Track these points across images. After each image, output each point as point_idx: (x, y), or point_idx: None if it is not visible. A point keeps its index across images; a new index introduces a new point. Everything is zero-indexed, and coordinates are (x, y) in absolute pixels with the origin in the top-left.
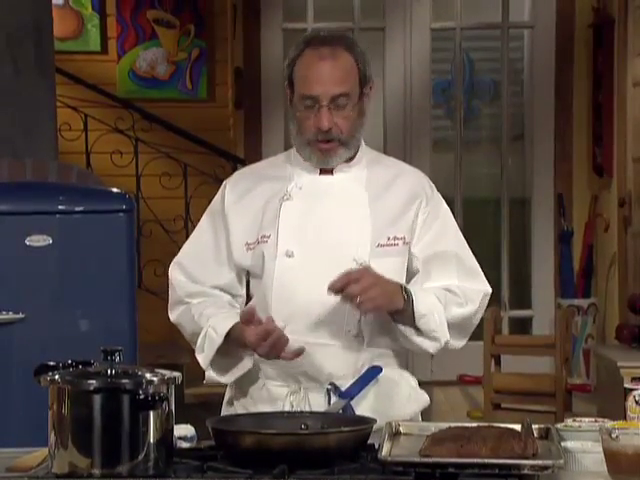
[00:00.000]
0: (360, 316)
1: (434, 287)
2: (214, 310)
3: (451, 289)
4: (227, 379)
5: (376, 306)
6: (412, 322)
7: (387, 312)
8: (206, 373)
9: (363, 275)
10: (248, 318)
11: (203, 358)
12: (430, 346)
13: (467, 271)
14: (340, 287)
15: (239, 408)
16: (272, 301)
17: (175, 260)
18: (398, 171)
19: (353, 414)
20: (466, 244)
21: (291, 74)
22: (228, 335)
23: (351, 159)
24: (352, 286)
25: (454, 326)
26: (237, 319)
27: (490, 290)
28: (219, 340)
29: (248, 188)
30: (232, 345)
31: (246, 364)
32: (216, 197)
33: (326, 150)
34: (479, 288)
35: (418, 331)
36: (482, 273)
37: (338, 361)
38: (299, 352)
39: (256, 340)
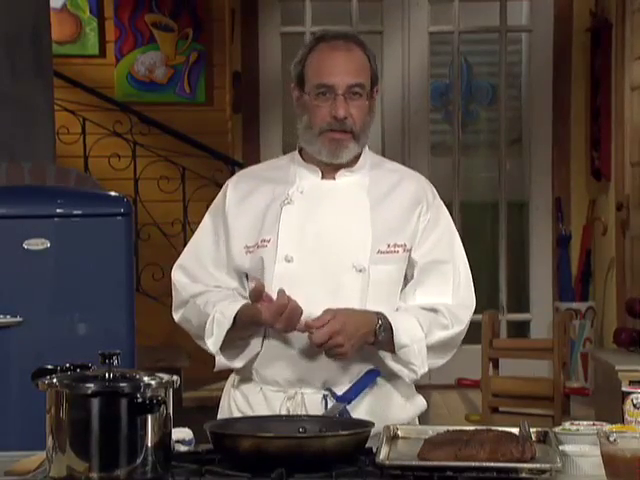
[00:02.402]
0: None
1: (420, 307)
2: (219, 297)
3: (438, 309)
4: (237, 364)
5: (351, 354)
6: (392, 350)
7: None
8: (216, 359)
9: (331, 333)
10: (257, 296)
11: (213, 342)
12: (406, 375)
13: (460, 284)
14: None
15: (235, 410)
16: None
17: (177, 263)
18: (400, 176)
19: (350, 418)
20: (463, 252)
21: (301, 71)
22: (235, 319)
23: (354, 164)
24: (326, 343)
25: (436, 348)
26: (243, 302)
27: (474, 304)
28: (228, 323)
29: (249, 190)
30: (240, 328)
31: (254, 347)
32: (218, 197)
33: (338, 140)
34: (467, 304)
35: (397, 358)
36: (472, 287)
37: (335, 366)
38: (319, 323)
39: (272, 317)
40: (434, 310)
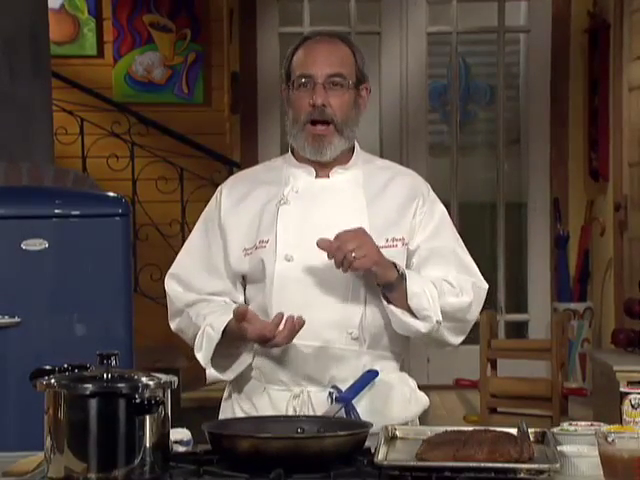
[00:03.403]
0: (361, 319)
1: (430, 276)
2: (211, 309)
3: (447, 279)
4: (228, 376)
5: (371, 262)
6: (404, 302)
7: (380, 286)
8: (207, 372)
9: (357, 233)
10: (240, 318)
11: (203, 356)
12: (422, 326)
13: (464, 267)
14: (335, 245)
15: (238, 412)
16: (272, 305)
17: (170, 271)
18: (394, 172)
19: (357, 416)
20: (462, 243)
21: (288, 68)
22: (225, 331)
23: (347, 161)
24: (347, 243)
25: (449, 316)
26: (232, 315)
27: (486, 286)
28: (217, 336)
29: (244, 193)
30: (230, 341)
31: (245, 359)
32: (211, 203)
33: (320, 135)
34: (474, 281)
35: (410, 312)
36: (478, 270)
37: (339, 364)
38: (300, 325)
39: (257, 339)
40: (443, 279)
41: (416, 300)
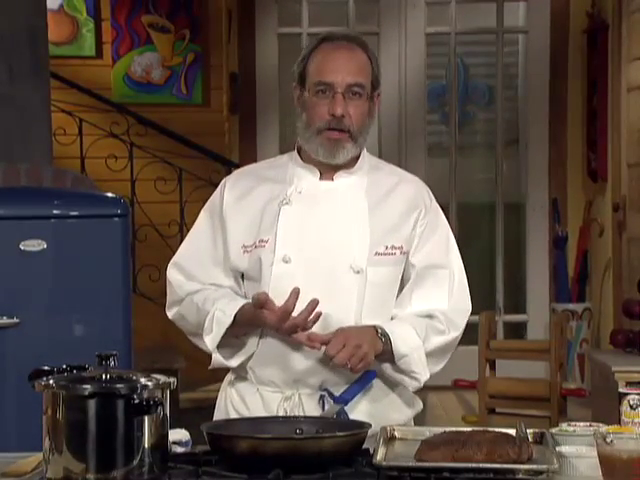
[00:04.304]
0: (355, 323)
1: (415, 315)
2: (219, 295)
3: (434, 315)
4: (233, 362)
5: (368, 362)
6: (392, 361)
7: None
8: (213, 356)
9: (345, 340)
10: (261, 304)
11: (211, 339)
12: (409, 384)
13: (456, 288)
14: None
15: (231, 411)
16: None
17: (173, 260)
18: (398, 179)
19: (347, 419)
20: (459, 257)
21: (303, 69)
22: (235, 317)
23: (352, 165)
24: (338, 356)
25: (434, 354)
26: (243, 301)
27: (470, 310)
28: (228, 320)
29: (247, 189)
30: (239, 327)
31: (251, 347)
32: (214, 195)
33: (335, 140)
34: (462, 308)
35: (398, 369)
36: (468, 291)
37: (331, 367)
38: (312, 307)
39: (277, 322)
40: (430, 316)
41: (404, 361)
